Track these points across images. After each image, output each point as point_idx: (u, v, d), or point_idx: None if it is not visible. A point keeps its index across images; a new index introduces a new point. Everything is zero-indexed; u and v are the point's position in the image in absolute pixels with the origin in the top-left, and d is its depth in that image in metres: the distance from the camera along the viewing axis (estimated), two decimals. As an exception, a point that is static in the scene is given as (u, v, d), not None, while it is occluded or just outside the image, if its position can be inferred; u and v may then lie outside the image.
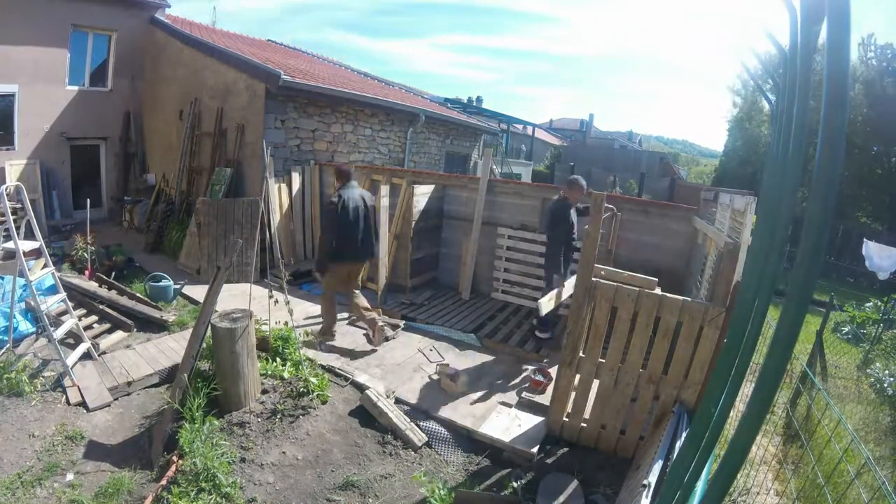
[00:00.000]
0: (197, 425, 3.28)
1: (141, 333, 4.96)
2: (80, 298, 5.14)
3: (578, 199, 5.15)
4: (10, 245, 4.91)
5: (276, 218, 7.04)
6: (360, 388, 4.14)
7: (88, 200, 7.42)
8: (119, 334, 4.83)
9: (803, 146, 1.10)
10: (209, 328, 3.68)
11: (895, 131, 15.84)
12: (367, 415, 3.83)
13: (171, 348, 4.56)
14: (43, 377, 3.90)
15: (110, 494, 2.91)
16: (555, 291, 4.29)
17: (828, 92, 0.79)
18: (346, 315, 5.78)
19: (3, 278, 4.83)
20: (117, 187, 10.10)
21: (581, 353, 3.52)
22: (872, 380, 5.50)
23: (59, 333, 3.97)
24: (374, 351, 4.88)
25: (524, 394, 4.17)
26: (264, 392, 3.93)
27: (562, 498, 3.03)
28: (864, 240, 10.50)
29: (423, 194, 6.53)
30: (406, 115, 9.97)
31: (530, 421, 3.81)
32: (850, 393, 5.56)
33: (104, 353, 4.40)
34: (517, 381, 4.51)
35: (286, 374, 4.09)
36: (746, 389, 1.54)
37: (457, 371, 4.35)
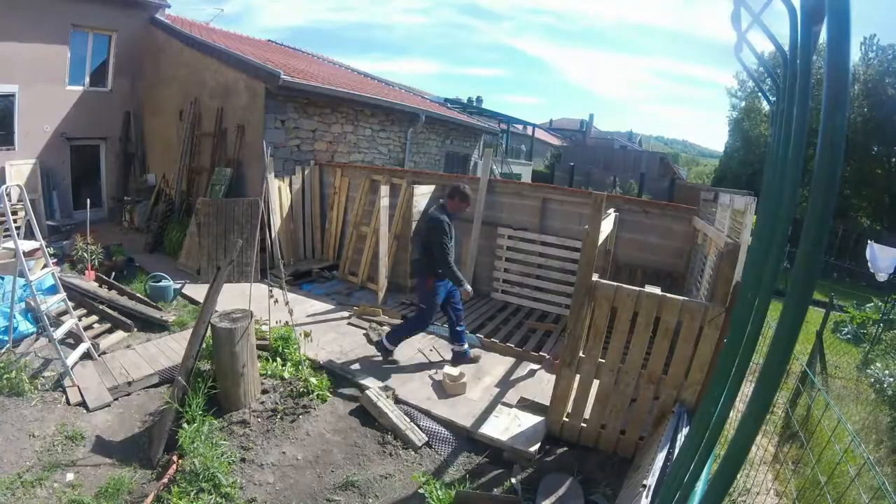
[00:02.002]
0: (197, 425, 3.28)
1: (141, 333, 4.96)
2: (80, 298, 5.14)
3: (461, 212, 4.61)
4: (10, 245, 4.92)
5: (276, 218, 7.05)
6: (361, 388, 4.14)
7: (88, 200, 7.42)
8: (119, 334, 4.83)
9: (803, 146, 1.10)
10: (209, 328, 3.68)
11: (895, 131, 15.84)
12: (367, 415, 3.83)
13: (171, 348, 4.56)
14: (43, 377, 3.90)
15: (110, 494, 2.91)
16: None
17: (828, 92, 0.79)
18: (345, 314, 5.79)
19: (3, 278, 4.83)
20: (117, 187, 10.10)
21: (581, 353, 3.52)
22: (872, 380, 5.50)
23: (59, 333, 3.97)
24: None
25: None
26: (264, 392, 3.93)
27: (562, 498, 3.03)
28: (869, 241, 10.46)
29: (423, 194, 6.53)
30: (406, 115, 9.97)
31: (530, 421, 3.81)
32: (850, 393, 5.56)
33: (104, 353, 4.40)
34: (517, 380, 4.50)
35: (286, 374, 4.10)
36: (746, 389, 1.54)
37: (457, 371, 4.35)
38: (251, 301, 4.28)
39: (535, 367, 4.78)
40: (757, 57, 1.81)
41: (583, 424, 3.61)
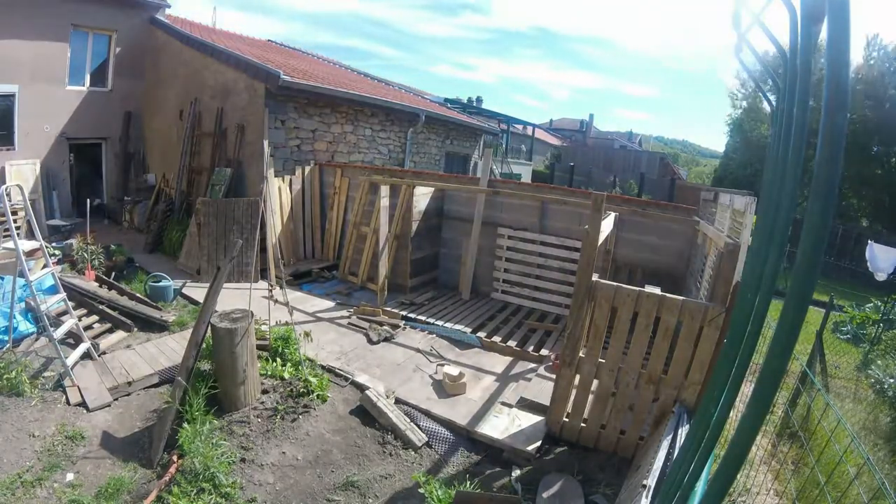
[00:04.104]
0: (197, 425, 3.28)
1: (141, 333, 4.96)
2: (80, 298, 5.14)
3: None
4: (10, 245, 4.91)
5: (276, 218, 7.04)
6: (360, 388, 4.14)
7: (88, 200, 7.42)
8: (119, 334, 4.83)
9: (803, 146, 1.10)
10: (209, 328, 3.68)
11: (895, 131, 15.83)
12: (367, 415, 3.83)
13: (171, 348, 4.56)
14: (43, 377, 3.90)
15: (110, 494, 2.91)
16: None
17: (828, 92, 0.79)
18: (345, 314, 5.79)
19: (3, 278, 4.83)
20: (117, 187, 10.10)
21: (581, 354, 3.52)
22: (872, 380, 5.50)
23: (59, 333, 3.97)
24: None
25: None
26: (264, 392, 3.93)
27: (561, 497, 3.03)
28: (869, 241, 10.48)
29: (423, 194, 6.54)
30: (406, 115, 9.97)
31: (530, 421, 3.81)
32: (850, 393, 5.56)
33: (104, 353, 4.40)
34: (517, 380, 4.50)
35: (286, 375, 4.10)
36: (746, 389, 1.54)
37: (457, 371, 4.35)
38: (251, 301, 4.28)
39: (535, 366, 4.78)
40: (757, 57, 1.81)
41: (583, 424, 3.61)
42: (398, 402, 4.02)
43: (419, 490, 3.09)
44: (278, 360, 4.27)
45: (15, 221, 6.48)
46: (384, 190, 6.23)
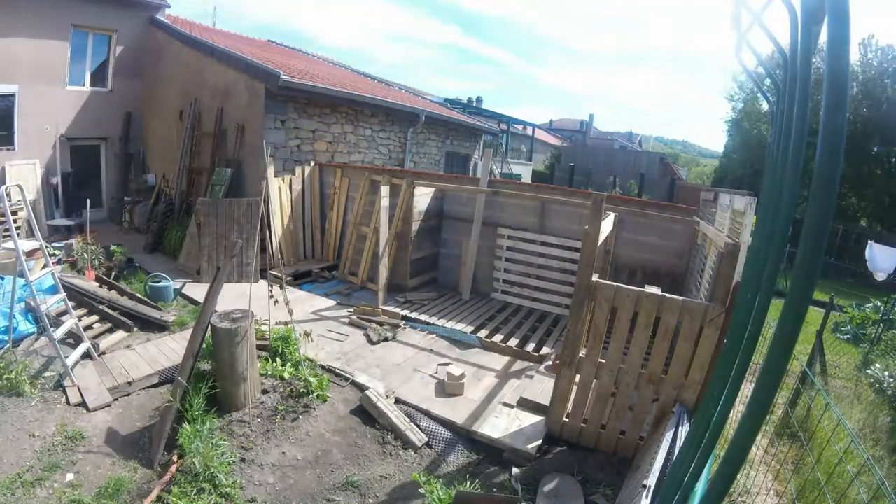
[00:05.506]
0: (197, 425, 3.28)
1: (141, 333, 4.96)
2: (80, 298, 5.14)
3: None
4: (10, 245, 4.91)
5: (276, 218, 7.05)
6: (360, 388, 4.14)
7: (88, 200, 7.42)
8: (119, 334, 4.83)
9: (803, 146, 1.10)
10: (209, 328, 3.68)
11: (895, 132, 15.84)
12: (367, 415, 3.83)
13: (171, 348, 4.56)
14: (43, 377, 3.90)
15: (110, 494, 2.91)
16: None
17: (828, 92, 0.79)
18: (345, 314, 5.79)
19: (3, 278, 4.83)
20: (117, 187, 10.09)
21: (581, 354, 3.52)
22: (872, 380, 5.50)
23: (59, 333, 3.97)
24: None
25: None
26: (264, 392, 3.93)
27: (561, 497, 3.03)
28: (869, 241, 10.49)
29: (423, 194, 6.54)
30: (406, 115, 9.98)
31: (530, 421, 3.81)
32: (850, 393, 5.56)
33: (104, 353, 4.40)
34: (517, 380, 4.50)
35: (286, 375, 4.10)
36: (746, 389, 1.54)
37: (457, 371, 4.35)
38: (251, 301, 4.27)
39: (535, 365, 4.78)
40: (757, 57, 1.81)
41: (583, 424, 3.61)
42: (398, 402, 4.02)
43: (419, 490, 3.09)
44: (278, 360, 4.28)
45: (15, 221, 6.48)
46: (384, 190, 6.23)
